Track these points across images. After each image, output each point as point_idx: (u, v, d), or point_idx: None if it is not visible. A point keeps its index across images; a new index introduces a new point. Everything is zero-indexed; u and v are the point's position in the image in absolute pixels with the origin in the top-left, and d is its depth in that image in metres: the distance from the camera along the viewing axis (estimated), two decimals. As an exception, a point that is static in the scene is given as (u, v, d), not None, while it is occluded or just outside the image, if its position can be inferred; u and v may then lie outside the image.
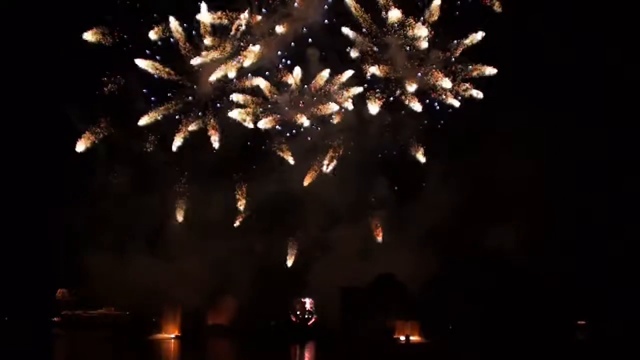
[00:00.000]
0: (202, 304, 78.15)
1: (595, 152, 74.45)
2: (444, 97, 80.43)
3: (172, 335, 77.36)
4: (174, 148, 79.06)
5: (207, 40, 77.59)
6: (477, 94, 79.36)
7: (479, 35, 78.42)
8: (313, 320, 79.79)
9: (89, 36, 76.37)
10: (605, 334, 67.13)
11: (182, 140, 79.41)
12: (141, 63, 76.83)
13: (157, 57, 78.07)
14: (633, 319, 66.35)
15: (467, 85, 79.78)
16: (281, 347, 71.80)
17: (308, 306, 79.98)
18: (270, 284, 77.92)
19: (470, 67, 79.37)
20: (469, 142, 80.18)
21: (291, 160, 79.93)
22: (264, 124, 79.96)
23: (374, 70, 79.23)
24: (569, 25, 74.83)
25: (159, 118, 79.26)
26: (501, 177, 78.06)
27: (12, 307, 76.70)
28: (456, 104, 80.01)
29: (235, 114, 78.96)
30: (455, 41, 78.64)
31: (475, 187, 78.84)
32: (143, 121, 78.10)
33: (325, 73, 79.43)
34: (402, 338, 72.88)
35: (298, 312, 80.00)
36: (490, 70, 78.91)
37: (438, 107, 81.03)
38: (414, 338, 73.25)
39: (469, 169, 79.28)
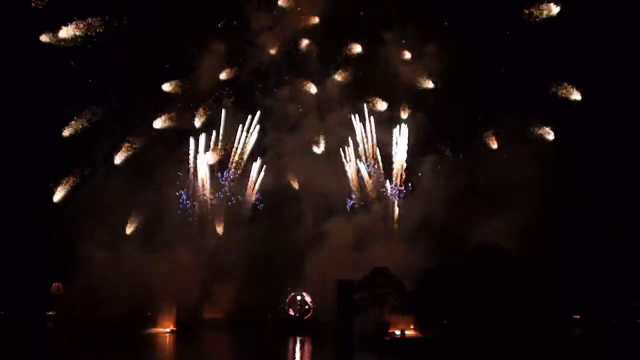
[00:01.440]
0: (197, 297, 78.14)
1: (596, 151, 74.25)
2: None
3: (168, 329, 77.31)
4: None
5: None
6: (549, 134, 77.40)
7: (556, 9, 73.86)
8: (310, 314, 79.70)
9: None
10: (600, 328, 67.04)
11: None
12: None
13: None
14: (627, 313, 66.42)
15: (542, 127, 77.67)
16: (278, 341, 71.78)
17: (307, 299, 79.84)
18: (265, 277, 77.96)
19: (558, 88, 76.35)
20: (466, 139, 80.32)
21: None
22: None
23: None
24: (570, 24, 74.71)
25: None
26: (499, 172, 78.22)
27: (7, 301, 76.61)
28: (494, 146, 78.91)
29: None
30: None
31: (473, 182, 78.97)
32: None
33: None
34: (398, 332, 72.61)
35: (297, 306, 79.83)
36: (576, 95, 75.89)
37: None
38: (409, 332, 72.96)
39: (466, 164, 79.48)
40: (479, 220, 74.48)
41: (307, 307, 79.83)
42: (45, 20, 74.37)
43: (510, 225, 72.85)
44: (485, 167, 76.18)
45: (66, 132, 77.55)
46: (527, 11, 75.38)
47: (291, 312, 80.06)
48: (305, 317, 79.40)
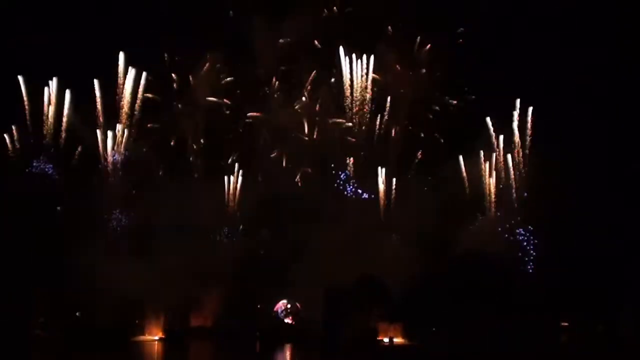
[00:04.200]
0: (185, 305, 78.04)
1: (595, 150, 73.86)
2: None
3: (156, 337, 77.26)
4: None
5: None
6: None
7: None
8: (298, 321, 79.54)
9: None
10: (588, 335, 66.73)
11: None
12: None
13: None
14: (615, 320, 66.10)
15: None
16: (265, 349, 71.67)
17: (297, 307, 79.60)
18: (253, 284, 77.81)
19: None
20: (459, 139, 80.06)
21: None
22: None
23: None
24: (570, 23, 74.40)
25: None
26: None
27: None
28: None
29: None
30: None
31: (461, 188, 78.88)
32: None
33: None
34: (386, 340, 72.44)
35: (291, 313, 79.56)
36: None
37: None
38: (397, 340, 72.83)
39: (455, 168, 79.29)
40: (467, 226, 74.34)
41: (297, 314, 79.64)
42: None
43: (497, 232, 72.77)
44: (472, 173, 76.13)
45: None
46: None
47: (288, 320, 79.76)
48: (294, 325, 79.15)
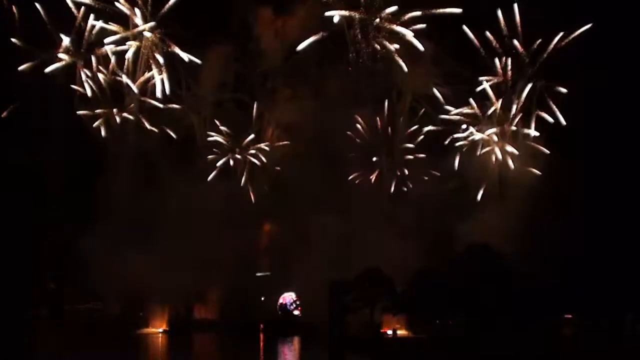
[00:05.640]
0: (189, 298, 78.25)
1: (595, 145, 74.18)
2: None
3: (160, 330, 77.43)
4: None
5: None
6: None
7: None
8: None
9: None
10: (591, 328, 67.00)
11: None
12: None
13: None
14: (619, 313, 66.39)
15: None
16: (269, 342, 71.94)
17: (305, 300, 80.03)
18: (255, 277, 78.09)
19: None
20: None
21: None
22: None
23: None
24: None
25: None
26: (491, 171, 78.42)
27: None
28: None
29: None
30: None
31: (465, 181, 79.17)
32: None
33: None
34: (389, 332, 72.79)
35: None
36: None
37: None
38: (401, 332, 73.14)
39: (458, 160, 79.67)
40: (471, 219, 74.63)
41: (304, 307, 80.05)
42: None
43: (503, 224, 72.97)
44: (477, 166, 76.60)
45: None
46: None
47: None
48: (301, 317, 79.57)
